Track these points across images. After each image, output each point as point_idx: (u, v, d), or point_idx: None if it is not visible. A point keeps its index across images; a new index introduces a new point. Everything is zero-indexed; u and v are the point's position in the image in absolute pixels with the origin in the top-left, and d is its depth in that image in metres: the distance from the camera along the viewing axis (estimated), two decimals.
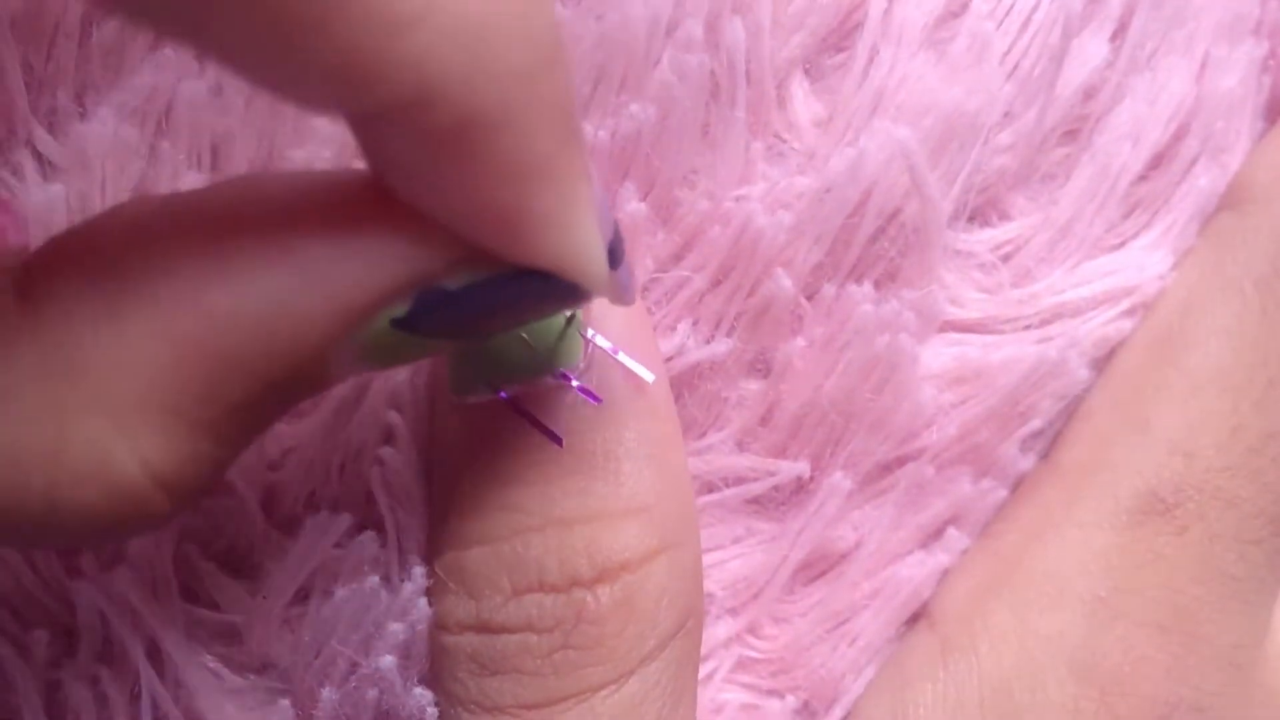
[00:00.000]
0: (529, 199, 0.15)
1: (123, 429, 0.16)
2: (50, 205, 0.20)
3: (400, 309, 0.16)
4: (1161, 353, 0.23)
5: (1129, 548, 0.22)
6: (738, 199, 0.22)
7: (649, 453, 0.20)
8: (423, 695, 0.20)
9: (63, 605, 0.21)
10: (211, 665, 0.21)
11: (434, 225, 0.16)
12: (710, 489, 0.23)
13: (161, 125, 0.20)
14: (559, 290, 0.16)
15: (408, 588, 0.20)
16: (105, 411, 0.15)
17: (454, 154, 0.15)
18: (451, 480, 0.20)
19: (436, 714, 0.20)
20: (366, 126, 0.15)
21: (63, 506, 0.16)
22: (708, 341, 0.22)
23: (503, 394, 0.19)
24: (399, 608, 0.20)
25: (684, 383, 0.22)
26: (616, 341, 0.20)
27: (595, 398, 0.19)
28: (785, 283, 0.22)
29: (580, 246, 0.16)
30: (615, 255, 0.17)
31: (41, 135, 0.20)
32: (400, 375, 0.21)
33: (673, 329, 0.22)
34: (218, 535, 0.21)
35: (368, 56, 0.13)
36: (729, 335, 0.22)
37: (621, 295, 0.18)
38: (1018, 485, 0.24)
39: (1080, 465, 0.23)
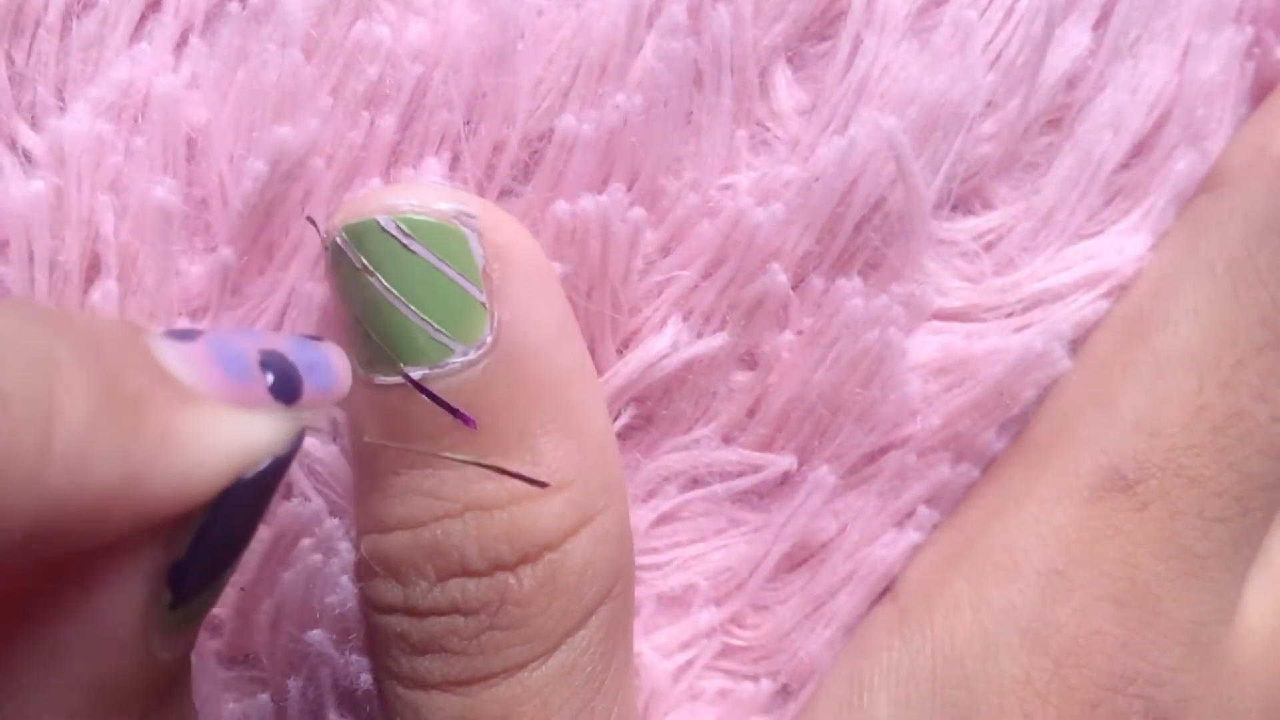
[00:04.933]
0: (137, 463, 0.15)
1: None
2: (32, 203, 0.20)
3: (167, 598, 0.17)
4: (1131, 333, 0.23)
5: (1088, 523, 0.22)
6: (723, 189, 0.22)
7: (566, 424, 0.19)
8: (358, 663, 0.20)
9: None
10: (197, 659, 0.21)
11: (138, 537, 0.16)
12: (697, 483, 0.23)
13: (138, 120, 0.20)
14: (254, 485, 0.16)
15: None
16: None
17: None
18: (367, 460, 0.20)
19: (370, 679, 0.20)
20: None
21: None
22: (699, 336, 0.22)
23: (412, 379, 0.19)
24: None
25: (675, 379, 0.22)
26: (520, 307, 0.19)
27: None
28: (781, 277, 0.22)
29: (216, 450, 0.16)
30: (286, 387, 0.17)
31: (24, 130, 0.20)
32: None
33: (662, 325, 0.22)
34: None
35: None
36: (721, 329, 0.22)
37: (325, 402, 0.17)
38: (991, 464, 0.24)
39: (1045, 442, 0.23)
